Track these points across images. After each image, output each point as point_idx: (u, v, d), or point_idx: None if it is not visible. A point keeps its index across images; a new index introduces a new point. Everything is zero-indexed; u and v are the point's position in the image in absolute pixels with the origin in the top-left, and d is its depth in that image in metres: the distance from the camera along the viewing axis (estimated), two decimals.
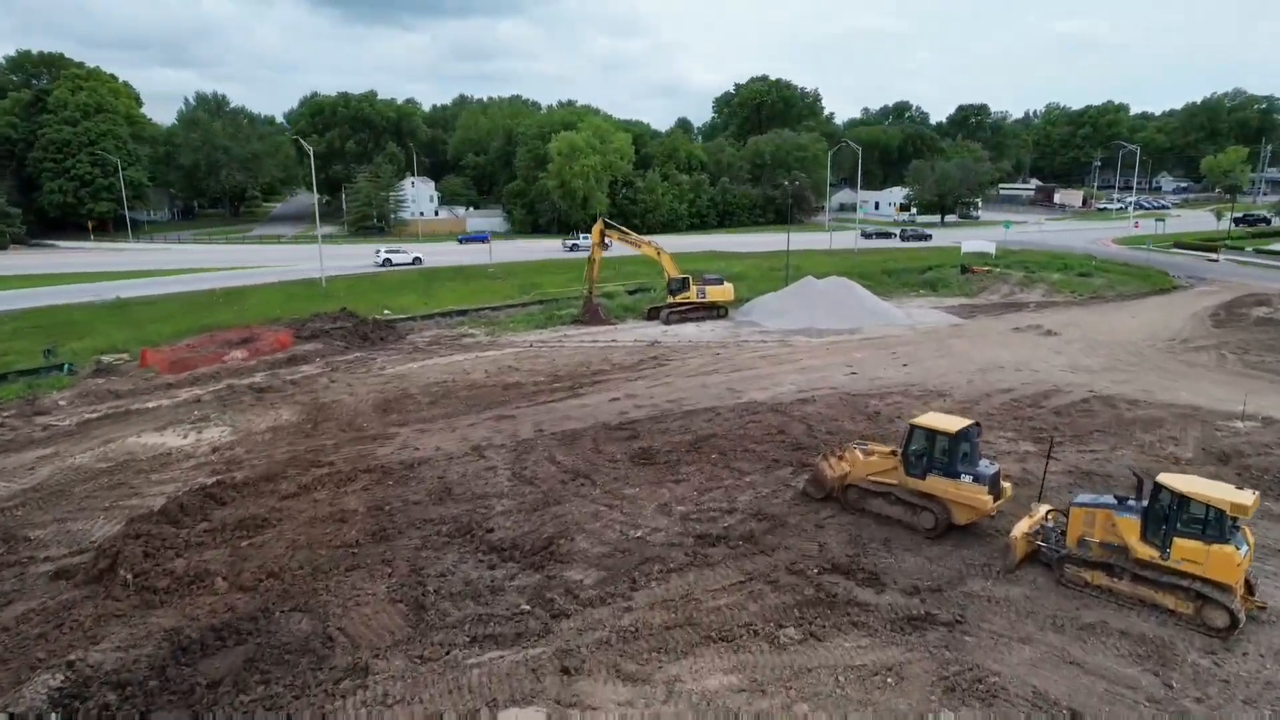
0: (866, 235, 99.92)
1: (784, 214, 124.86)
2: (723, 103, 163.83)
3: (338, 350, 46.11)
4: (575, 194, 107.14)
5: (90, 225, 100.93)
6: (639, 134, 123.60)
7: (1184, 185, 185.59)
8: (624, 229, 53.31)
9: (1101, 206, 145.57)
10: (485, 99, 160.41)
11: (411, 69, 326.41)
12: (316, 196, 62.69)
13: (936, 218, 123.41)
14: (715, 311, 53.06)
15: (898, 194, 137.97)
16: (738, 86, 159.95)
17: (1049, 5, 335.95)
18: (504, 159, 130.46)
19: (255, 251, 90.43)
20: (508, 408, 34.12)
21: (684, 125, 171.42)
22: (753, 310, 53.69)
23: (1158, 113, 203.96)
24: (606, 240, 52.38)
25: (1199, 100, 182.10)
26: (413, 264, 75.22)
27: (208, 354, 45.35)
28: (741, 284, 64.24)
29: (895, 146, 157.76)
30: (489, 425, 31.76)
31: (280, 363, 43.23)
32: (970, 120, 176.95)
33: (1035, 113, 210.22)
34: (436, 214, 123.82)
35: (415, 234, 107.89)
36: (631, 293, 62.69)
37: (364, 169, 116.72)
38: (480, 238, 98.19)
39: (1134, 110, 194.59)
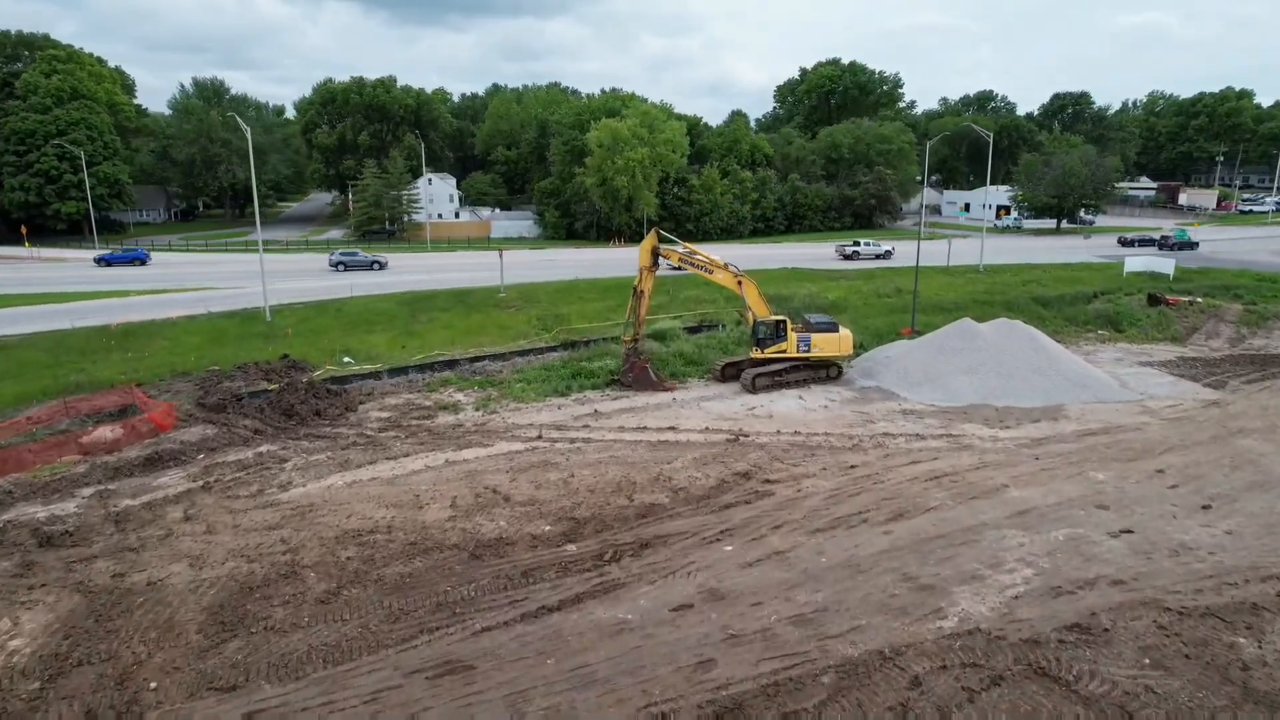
0: (1126, 243, 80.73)
1: (863, 217, 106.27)
2: (786, 91, 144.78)
3: (239, 438, 29.39)
4: (618, 193, 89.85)
5: (24, 229, 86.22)
6: (693, 124, 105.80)
7: None
8: (689, 246, 35.65)
9: (1245, 208, 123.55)
10: (520, 87, 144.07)
11: (460, 69, 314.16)
12: (256, 191, 46.20)
13: (1044, 223, 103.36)
14: (824, 371, 35.19)
15: (995, 194, 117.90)
16: (804, 72, 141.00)
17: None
18: (538, 153, 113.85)
19: (231, 263, 74.77)
20: (465, 625, 16.86)
21: (739, 117, 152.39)
22: (879, 369, 35.59)
23: (1265, 104, 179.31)
24: (658, 259, 34.83)
25: None
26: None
27: (45, 440, 29.11)
28: (840, 316, 46.43)
29: (987, 140, 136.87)
30: (415, 694, 14.46)
31: (133, 465, 26.62)
32: (1067, 110, 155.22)
33: (1134, 103, 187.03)
34: (457, 216, 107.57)
35: (424, 240, 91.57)
36: (692, 330, 45.14)
37: (373, 164, 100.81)
38: (134, 256, 73.17)
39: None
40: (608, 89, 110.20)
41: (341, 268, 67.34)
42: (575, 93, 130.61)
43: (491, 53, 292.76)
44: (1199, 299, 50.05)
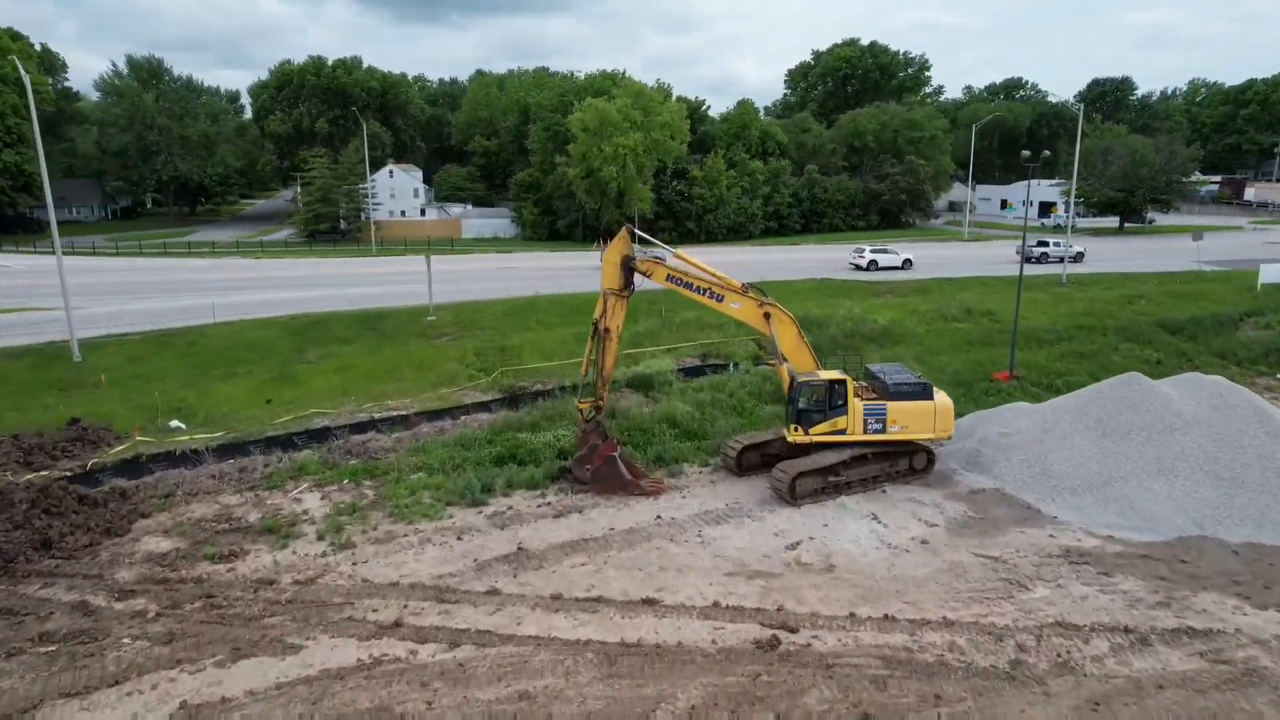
0: None
1: (891, 215, 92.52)
2: (798, 75, 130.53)
3: None
4: (606, 186, 76.18)
5: None
6: (694, 108, 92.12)
7: None
8: (683, 254, 21.86)
9: None
10: (505, 72, 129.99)
11: (461, 67, 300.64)
12: (48, 184, 32.51)
13: (1100, 221, 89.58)
14: (905, 462, 21.51)
15: (1040, 190, 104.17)
16: (818, 55, 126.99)
17: None
18: (519, 143, 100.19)
19: (133, 271, 61.18)
20: None
21: (747, 103, 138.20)
22: (992, 454, 21.90)
23: None
24: (634, 278, 21.19)
25: None
26: (902, 267, 56.20)
27: None
28: (896, 351, 33.27)
29: (1024, 129, 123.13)
30: None
31: None
32: (1107, 98, 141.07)
33: (1173, 91, 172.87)
34: (423, 213, 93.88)
35: (369, 243, 77.77)
36: (691, 372, 31.72)
37: (323, 154, 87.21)
38: None
39: None
40: (601, 67, 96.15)
41: (874, 268, 56.04)
42: (568, 77, 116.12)
43: (494, 52, 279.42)
44: None
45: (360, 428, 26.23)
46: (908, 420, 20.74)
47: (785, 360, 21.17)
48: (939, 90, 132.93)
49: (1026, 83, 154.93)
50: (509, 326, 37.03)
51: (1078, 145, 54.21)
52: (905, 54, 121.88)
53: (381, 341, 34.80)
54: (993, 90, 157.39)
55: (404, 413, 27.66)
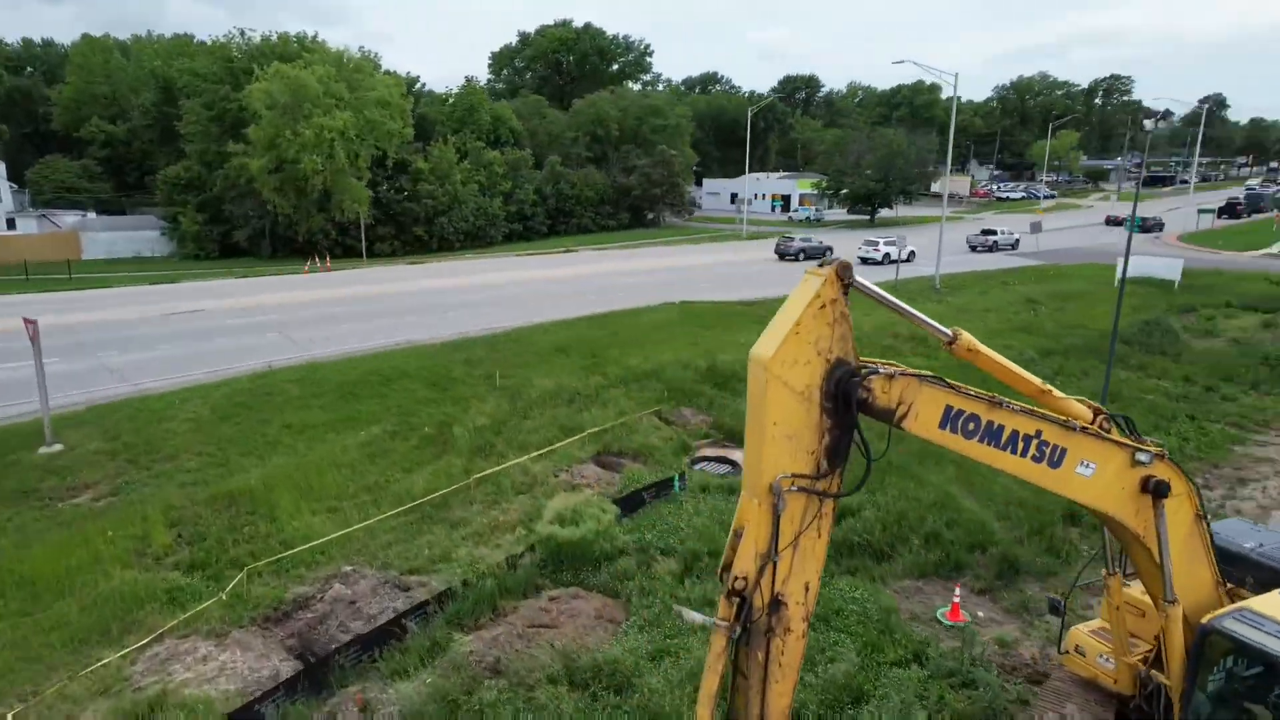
0: None
1: (640, 211, 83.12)
2: (504, 59, 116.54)
3: None
4: (307, 182, 56.57)
5: None
6: (410, 83, 74.58)
7: (996, 173, 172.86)
8: (975, 345, 7.50)
9: (1003, 194, 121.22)
10: (129, 38, 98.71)
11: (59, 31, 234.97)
12: None
13: (837, 214, 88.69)
14: None
15: (769, 183, 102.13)
16: (525, 37, 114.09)
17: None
18: (161, 127, 74.46)
19: None
20: None
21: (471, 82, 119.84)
22: None
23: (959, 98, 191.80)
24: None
25: (1008, 83, 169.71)
26: (908, 260, 49.69)
27: None
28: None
29: (742, 122, 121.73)
30: None
31: None
32: (797, 95, 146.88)
33: (836, 93, 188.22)
34: (11, 225, 65.09)
35: None
36: (625, 505, 17.13)
37: None
38: None
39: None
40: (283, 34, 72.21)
41: (888, 261, 48.86)
42: (235, 39, 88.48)
43: (99, 31, 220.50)
44: None
45: None
46: None
47: (1174, 598, 8.04)
48: (656, 79, 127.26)
49: (722, 78, 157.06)
50: (231, 443, 19.20)
51: (959, 143, 47.67)
52: (625, 38, 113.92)
53: None
54: (690, 84, 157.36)
55: None
